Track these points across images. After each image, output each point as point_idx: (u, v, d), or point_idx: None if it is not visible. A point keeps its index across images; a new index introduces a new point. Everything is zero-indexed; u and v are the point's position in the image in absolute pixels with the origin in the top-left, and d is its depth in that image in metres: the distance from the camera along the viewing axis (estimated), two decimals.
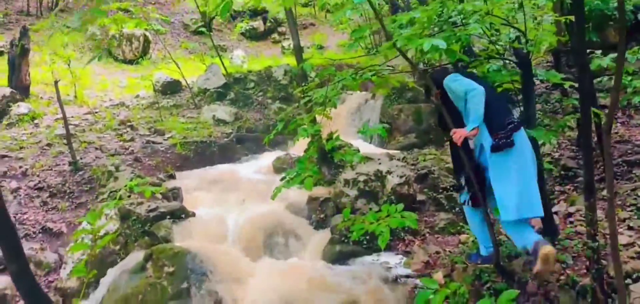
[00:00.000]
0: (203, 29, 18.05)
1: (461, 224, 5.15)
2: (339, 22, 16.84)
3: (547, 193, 5.30)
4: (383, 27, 3.67)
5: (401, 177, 5.29)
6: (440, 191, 5.58)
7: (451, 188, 5.66)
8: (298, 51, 7.08)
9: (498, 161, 3.48)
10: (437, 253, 4.62)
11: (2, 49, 13.09)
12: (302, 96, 4.41)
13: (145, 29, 15.57)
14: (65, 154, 6.97)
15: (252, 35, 19.85)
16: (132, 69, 14.69)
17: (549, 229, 4.22)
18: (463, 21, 3.75)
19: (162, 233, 5.11)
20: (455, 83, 3.64)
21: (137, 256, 4.71)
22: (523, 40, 3.95)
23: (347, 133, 9.71)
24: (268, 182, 6.97)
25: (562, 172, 5.61)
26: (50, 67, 11.64)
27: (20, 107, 9.60)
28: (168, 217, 5.27)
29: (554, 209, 5.04)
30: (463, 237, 4.84)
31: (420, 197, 5.55)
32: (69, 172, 6.35)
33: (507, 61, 4.17)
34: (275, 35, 20.30)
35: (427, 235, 5.12)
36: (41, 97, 10.95)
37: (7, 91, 10.05)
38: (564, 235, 4.32)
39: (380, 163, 5.46)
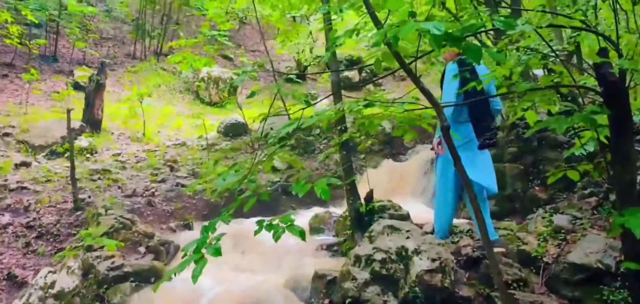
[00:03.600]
0: (291, 77, 17.74)
1: None
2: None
3: None
4: (370, 12, 2.34)
5: (433, 260, 3.67)
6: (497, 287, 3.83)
7: (515, 284, 3.88)
8: (335, 87, 5.90)
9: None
10: None
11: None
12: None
13: (235, 73, 15.54)
14: (83, 190, 6.42)
15: (346, 86, 19.10)
16: (216, 111, 14.59)
17: None
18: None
19: (116, 300, 4.06)
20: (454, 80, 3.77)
21: None
22: (613, 54, 2.32)
23: (414, 193, 8.13)
24: (294, 245, 5.71)
25: None
26: (123, 104, 11.77)
27: (82, 141, 9.55)
28: (131, 279, 4.22)
29: None
30: None
31: (465, 292, 3.86)
32: (67, 212, 5.71)
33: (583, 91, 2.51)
34: (370, 87, 19.42)
35: None
36: (112, 133, 10.96)
37: (77, 124, 10.13)
38: None
39: (408, 237, 3.90)
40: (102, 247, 4.53)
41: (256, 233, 2.16)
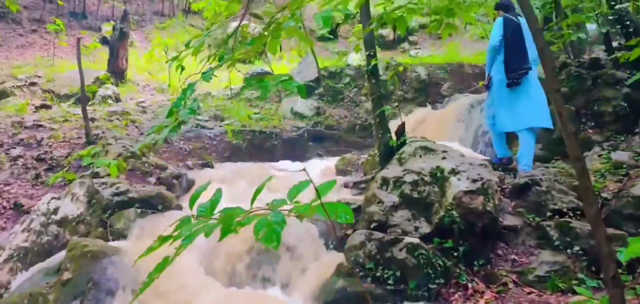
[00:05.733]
0: (324, 34, 17.16)
1: (579, 274, 2.84)
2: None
3: None
4: None
5: (474, 181, 3.14)
6: (550, 215, 3.28)
7: (570, 212, 3.31)
8: (368, 44, 5.24)
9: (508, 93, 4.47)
10: None
11: None
12: None
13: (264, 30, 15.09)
14: (100, 128, 6.16)
15: (381, 43, 18.42)
16: (245, 68, 14.25)
17: None
18: None
19: (120, 225, 3.73)
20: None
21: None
22: None
23: (451, 140, 7.54)
24: (319, 183, 5.26)
25: None
26: (148, 55, 11.52)
27: (106, 90, 9.34)
28: (137, 205, 3.87)
29: None
30: (574, 300, 2.55)
31: (510, 221, 3.32)
32: (80, 146, 5.42)
33: None
34: (405, 44, 18.69)
35: (511, 285, 2.91)
36: (137, 84, 10.74)
37: (101, 73, 9.95)
38: None
39: (444, 158, 3.38)
40: (109, 175, 4.20)
41: (243, 90, 1.67)
